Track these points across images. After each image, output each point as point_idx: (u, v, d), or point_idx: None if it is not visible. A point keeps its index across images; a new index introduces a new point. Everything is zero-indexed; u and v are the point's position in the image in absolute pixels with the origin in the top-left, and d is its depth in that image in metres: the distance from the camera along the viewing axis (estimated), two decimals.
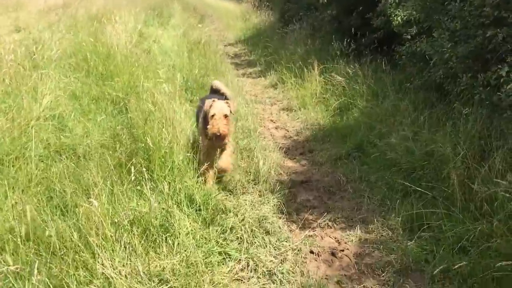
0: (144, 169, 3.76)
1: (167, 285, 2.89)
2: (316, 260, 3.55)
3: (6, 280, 2.26)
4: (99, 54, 7.20)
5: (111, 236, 2.92)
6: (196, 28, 12.77)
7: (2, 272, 2.23)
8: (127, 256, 2.93)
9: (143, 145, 4.55)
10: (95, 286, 2.47)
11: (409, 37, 5.97)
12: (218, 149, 4.17)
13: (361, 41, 8.05)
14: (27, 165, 3.76)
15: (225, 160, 4.23)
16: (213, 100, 4.07)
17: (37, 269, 2.28)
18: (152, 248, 3.20)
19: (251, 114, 6.38)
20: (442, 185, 3.96)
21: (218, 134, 3.86)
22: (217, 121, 3.90)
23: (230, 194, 4.30)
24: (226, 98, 4.47)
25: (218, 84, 4.80)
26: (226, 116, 3.97)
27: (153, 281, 2.89)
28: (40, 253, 2.62)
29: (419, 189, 3.96)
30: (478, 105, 4.23)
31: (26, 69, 5.81)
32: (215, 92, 4.70)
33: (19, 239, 2.56)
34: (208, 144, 4.13)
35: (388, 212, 4.12)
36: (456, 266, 2.89)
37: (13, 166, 3.85)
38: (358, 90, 6.80)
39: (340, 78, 7.22)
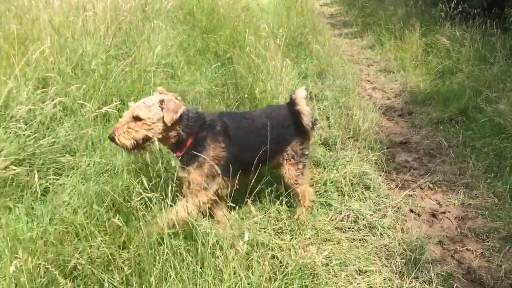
0: None
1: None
2: (416, 220, 3.54)
3: None
4: (203, 8, 7.43)
5: None
6: None
7: None
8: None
9: (246, 95, 4.74)
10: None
11: None
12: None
13: (469, 3, 7.54)
14: None
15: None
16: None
17: None
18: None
19: (349, 73, 6.30)
20: None
21: (111, 137, 2.57)
22: (120, 123, 2.60)
23: (329, 149, 4.37)
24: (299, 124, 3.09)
25: (301, 94, 3.11)
26: (138, 119, 2.58)
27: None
28: None
29: None
30: None
31: (139, 20, 6.17)
32: (292, 105, 3.13)
33: None
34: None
35: (495, 179, 3.97)
36: None
37: None
38: (464, 53, 6.45)
39: (445, 41, 6.85)
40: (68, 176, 3.27)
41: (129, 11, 6.42)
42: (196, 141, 2.74)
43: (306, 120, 3.06)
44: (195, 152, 2.70)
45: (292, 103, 3.10)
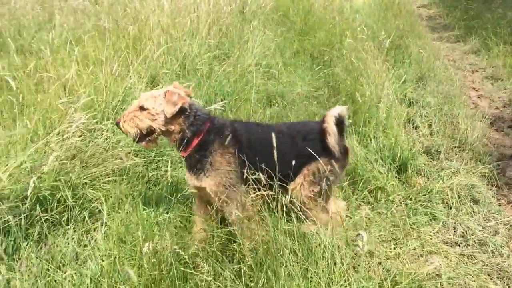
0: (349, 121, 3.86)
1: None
2: None
3: None
4: (298, 10, 7.46)
5: None
6: None
7: None
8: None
9: (344, 99, 4.67)
10: None
11: None
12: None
13: None
14: (246, 106, 4.18)
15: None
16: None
17: None
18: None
19: (454, 79, 5.97)
20: None
21: (117, 123, 2.67)
22: (127, 111, 2.67)
23: (431, 158, 4.17)
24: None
25: (332, 112, 2.78)
26: (144, 108, 2.61)
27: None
28: None
29: None
30: None
31: (238, 22, 6.33)
32: (321, 123, 2.82)
33: None
34: None
35: None
36: None
37: (234, 105, 4.32)
38: None
39: None
40: (175, 169, 3.43)
41: (230, 13, 6.62)
42: (201, 144, 2.64)
43: (331, 141, 2.72)
44: (200, 156, 2.64)
45: (322, 120, 2.82)
